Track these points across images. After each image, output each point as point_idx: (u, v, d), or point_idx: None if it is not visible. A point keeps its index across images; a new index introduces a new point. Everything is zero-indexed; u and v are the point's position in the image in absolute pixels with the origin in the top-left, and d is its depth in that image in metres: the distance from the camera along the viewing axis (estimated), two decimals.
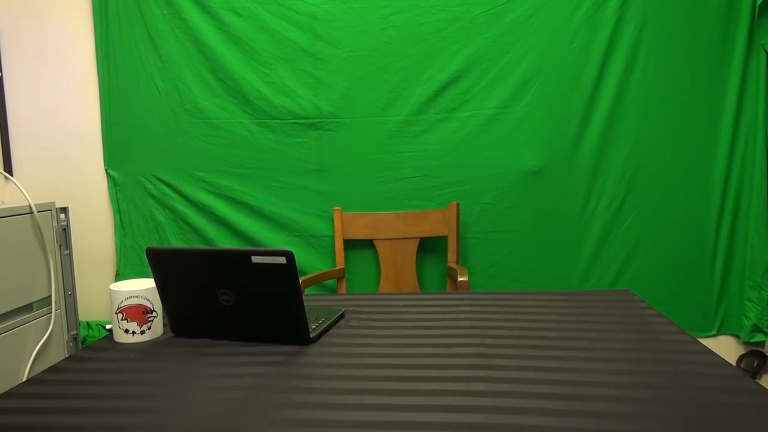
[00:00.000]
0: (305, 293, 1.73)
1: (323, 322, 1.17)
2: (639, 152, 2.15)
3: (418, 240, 2.18)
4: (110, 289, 1.13)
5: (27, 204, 1.77)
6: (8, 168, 2.30)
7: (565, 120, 2.15)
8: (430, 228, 2.18)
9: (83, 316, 2.25)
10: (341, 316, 1.24)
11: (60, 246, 1.90)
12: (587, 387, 0.84)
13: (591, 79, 2.12)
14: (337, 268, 2.20)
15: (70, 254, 1.94)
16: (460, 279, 1.89)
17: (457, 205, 2.17)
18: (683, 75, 2.11)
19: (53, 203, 1.88)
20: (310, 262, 2.26)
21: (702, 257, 2.17)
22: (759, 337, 2.12)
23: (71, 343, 1.93)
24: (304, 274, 2.17)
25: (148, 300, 1.13)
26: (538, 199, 2.18)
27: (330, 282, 2.24)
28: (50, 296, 1.85)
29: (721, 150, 2.12)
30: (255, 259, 1.02)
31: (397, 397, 0.82)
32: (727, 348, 2.20)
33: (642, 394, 0.81)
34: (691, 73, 2.11)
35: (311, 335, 1.08)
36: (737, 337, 2.20)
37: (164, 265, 1.09)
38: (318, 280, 2.12)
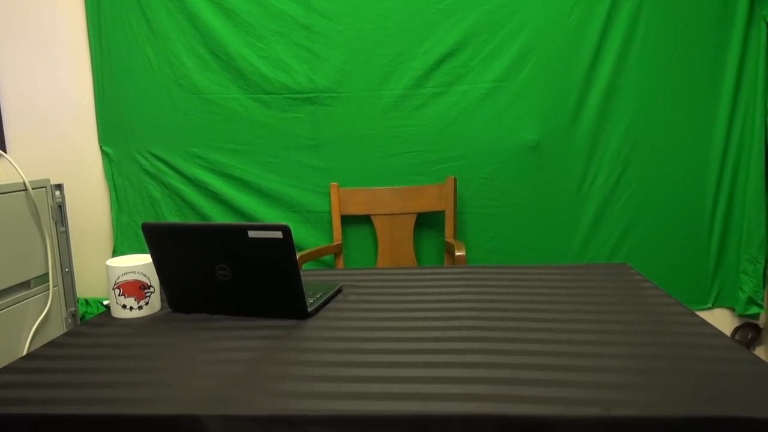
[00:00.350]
0: (302, 269, 1.74)
1: (321, 296, 1.17)
2: (637, 126, 2.14)
3: (416, 215, 2.18)
4: (107, 265, 1.13)
5: (21, 181, 1.76)
6: (1, 145, 2.28)
7: (563, 94, 2.13)
8: (427, 203, 2.18)
9: (81, 293, 2.25)
10: (338, 291, 1.24)
11: (56, 223, 1.89)
12: (584, 358, 0.84)
13: (589, 52, 2.10)
14: (335, 243, 2.20)
15: (67, 231, 1.94)
16: (457, 254, 1.89)
17: (455, 180, 2.16)
18: (682, 48, 2.09)
19: (48, 180, 1.87)
20: (307, 238, 2.26)
21: (699, 231, 2.17)
22: (754, 310, 2.14)
23: (70, 320, 1.94)
24: (301, 249, 2.17)
25: (145, 276, 1.13)
26: (536, 174, 2.18)
27: (327, 258, 2.24)
28: (47, 273, 1.85)
29: (719, 123, 2.11)
30: (251, 233, 1.02)
31: (395, 369, 0.82)
32: (721, 321, 2.22)
33: (638, 365, 0.82)
34: (691, 46, 2.09)
35: (308, 309, 1.08)
36: (732, 309, 2.21)
37: (160, 240, 1.09)
38: (315, 256, 2.12)
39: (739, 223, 2.16)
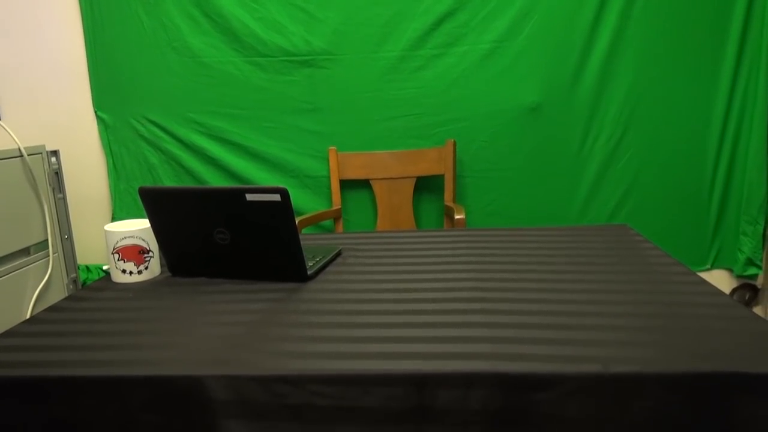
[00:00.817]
0: (302, 233, 1.73)
1: (320, 259, 1.17)
2: (639, 87, 2.11)
3: (415, 179, 2.17)
4: (105, 230, 1.12)
5: (16, 147, 1.74)
6: None
7: (564, 54, 2.10)
8: (426, 167, 2.16)
9: (82, 260, 2.25)
10: (338, 254, 1.24)
11: (53, 189, 1.88)
12: (584, 317, 0.85)
13: (590, 12, 2.05)
14: (334, 208, 2.19)
15: (64, 198, 1.93)
16: (456, 217, 1.89)
17: (454, 143, 2.14)
18: (685, 7, 2.04)
19: (43, 146, 1.85)
20: (306, 203, 2.25)
21: (699, 192, 2.16)
22: (752, 270, 2.15)
23: (71, 286, 1.94)
24: (300, 214, 2.17)
25: (143, 240, 1.12)
26: (536, 136, 2.15)
27: (327, 222, 2.24)
28: (47, 240, 1.85)
29: (722, 84, 2.08)
30: (249, 196, 1.01)
31: (395, 330, 0.83)
32: (720, 281, 2.23)
33: (638, 323, 0.82)
34: (694, 4, 2.04)
35: (308, 272, 1.08)
36: (730, 271, 2.22)
37: (158, 204, 1.08)
38: (314, 221, 2.12)
39: (740, 185, 2.15)
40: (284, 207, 1.00)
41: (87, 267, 2.24)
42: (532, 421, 0.70)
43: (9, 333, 0.89)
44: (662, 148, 2.14)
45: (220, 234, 1.06)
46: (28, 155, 1.77)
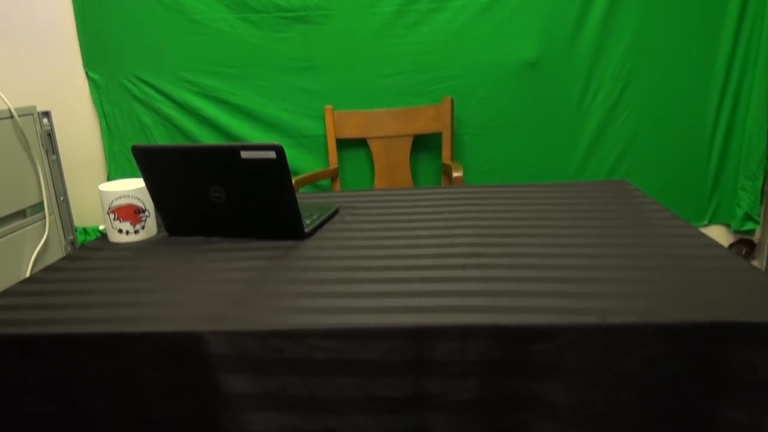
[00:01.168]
0: (298, 193, 1.72)
1: (317, 217, 1.17)
2: (639, 42, 2.07)
3: (412, 137, 2.15)
4: (99, 189, 1.11)
5: (7, 108, 1.71)
6: None
7: (563, 8, 2.05)
8: (423, 125, 2.14)
9: (79, 222, 2.24)
10: (335, 212, 1.24)
11: (46, 151, 1.86)
12: (581, 270, 0.85)
13: None
14: (330, 168, 2.18)
15: (58, 159, 1.91)
16: (454, 175, 1.88)
17: (451, 100, 2.11)
18: None
19: (34, 107, 1.82)
20: (302, 163, 2.23)
21: (699, 148, 2.15)
22: (749, 226, 2.16)
23: (69, 248, 1.94)
24: (296, 174, 2.15)
25: (138, 199, 1.11)
26: (535, 92, 2.12)
27: (324, 182, 2.23)
28: (42, 202, 1.84)
29: (724, 39, 2.04)
30: (244, 154, 0.99)
31: (393, 285, 0.83)
32: (717, 237, 2.23)
33: (635, 275, 0.82)
34: None
35: (305, 230, 1.08)
36: (727, 226, 2.23)
37: (152, 163, 1.06)
38: (311, 181, 2.11)
39: (740, 140, 2.13)
40: (280, 164, 0.99)
41: (84, 229, 2.24)
42: (528, 372, 0.71)
43: (7, 292, 0.89)
44: (662, 103, 2.12)
45: (216, 192, 1.05)
46: (19, 116, 1.74)
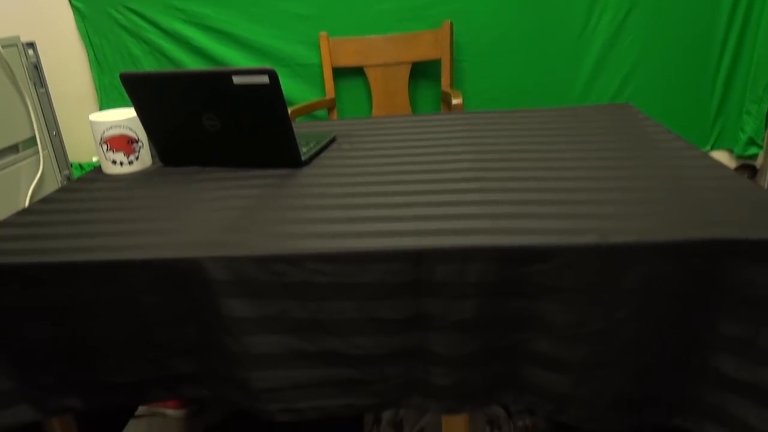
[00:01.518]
0: (295, 122, 1.69)
1: (314, 145, 1.15)
2: None
3: (410, 65, 2.08)
4: (90, 120, 1.08)
5: None
6: None
7: None
8: (422, 51, 2.07)
9: (74, 158, 2.22)
10: (332, 140, 1.21)
11: (34, 84, 1.81)
12: (583, 192, 0.84)
13: None
14: (327, 98, 2.13)
15: (47, 92, 1.86)
16: (454, 102, 1.83)
17: (451, 24, 2.03)
18: None
19: (17, 37, 1.75)
20: (298, 93, 2.18)
21: (704, 72, 2.09)
22: (753, 150, 2.13)
23: (65, 183, 1.93)
24: (292, 104, 2.11)
25: (131, 129, 1.09)
26: (538, 15, 2.04)
27: (320, 113, 2.18)
28: (34, 137, 1.80)
29: None
30: (236, 79, 0.96)
31: (393, 209, 0.82)
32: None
33: (637, 196, 0.81)
34: None
35: (302, 158, 1.06)
36: (730, 152, 2.20)
37: (142, 91, 1.03)
38: (307, 111, 2.06)
39: (747, 63, 2.07)
40: (273, 89, 0.96)
41: (80, 165, 2.22)
42: (527, 292, 0.71)
43: (3, 223, 0.89)
44: (668, 26, 2.04)
45: (210, 120, 1.03)
46: (3, 47, 1.68)
